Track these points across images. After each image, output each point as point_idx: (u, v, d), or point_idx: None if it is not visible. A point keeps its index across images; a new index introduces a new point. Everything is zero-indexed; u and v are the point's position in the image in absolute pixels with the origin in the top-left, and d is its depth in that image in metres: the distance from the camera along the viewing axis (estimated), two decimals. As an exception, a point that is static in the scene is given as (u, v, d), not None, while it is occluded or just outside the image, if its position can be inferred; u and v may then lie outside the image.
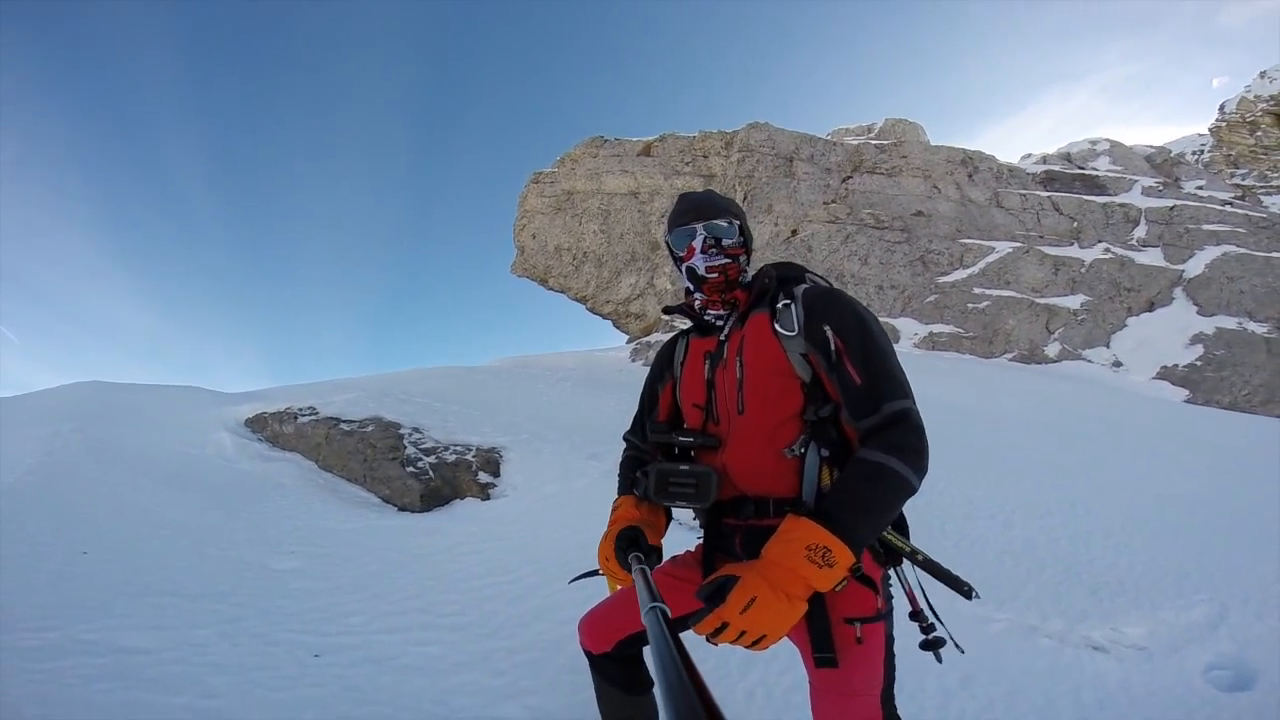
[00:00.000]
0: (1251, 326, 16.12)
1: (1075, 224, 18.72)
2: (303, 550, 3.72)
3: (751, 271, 1.69)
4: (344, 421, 6.04)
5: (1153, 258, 18.07)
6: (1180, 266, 17.61)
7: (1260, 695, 2.72)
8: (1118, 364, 17.31)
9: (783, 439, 1.44)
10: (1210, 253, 17.39)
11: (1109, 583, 3.68)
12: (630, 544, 1.49)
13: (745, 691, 2.39)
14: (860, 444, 1.36)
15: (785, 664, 2.56)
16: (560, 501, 4.83)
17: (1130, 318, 17.73)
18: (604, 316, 21.93)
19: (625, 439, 1.86)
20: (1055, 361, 17.31)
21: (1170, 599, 3.60)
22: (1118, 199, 19.52)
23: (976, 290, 17.99)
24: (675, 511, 1.73)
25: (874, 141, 19.65)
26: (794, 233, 17.34)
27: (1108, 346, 17.61)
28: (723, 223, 1.60)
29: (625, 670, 1.76)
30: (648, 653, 1.77)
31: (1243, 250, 17.22)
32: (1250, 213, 18.75)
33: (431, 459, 5.48)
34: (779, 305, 1.52)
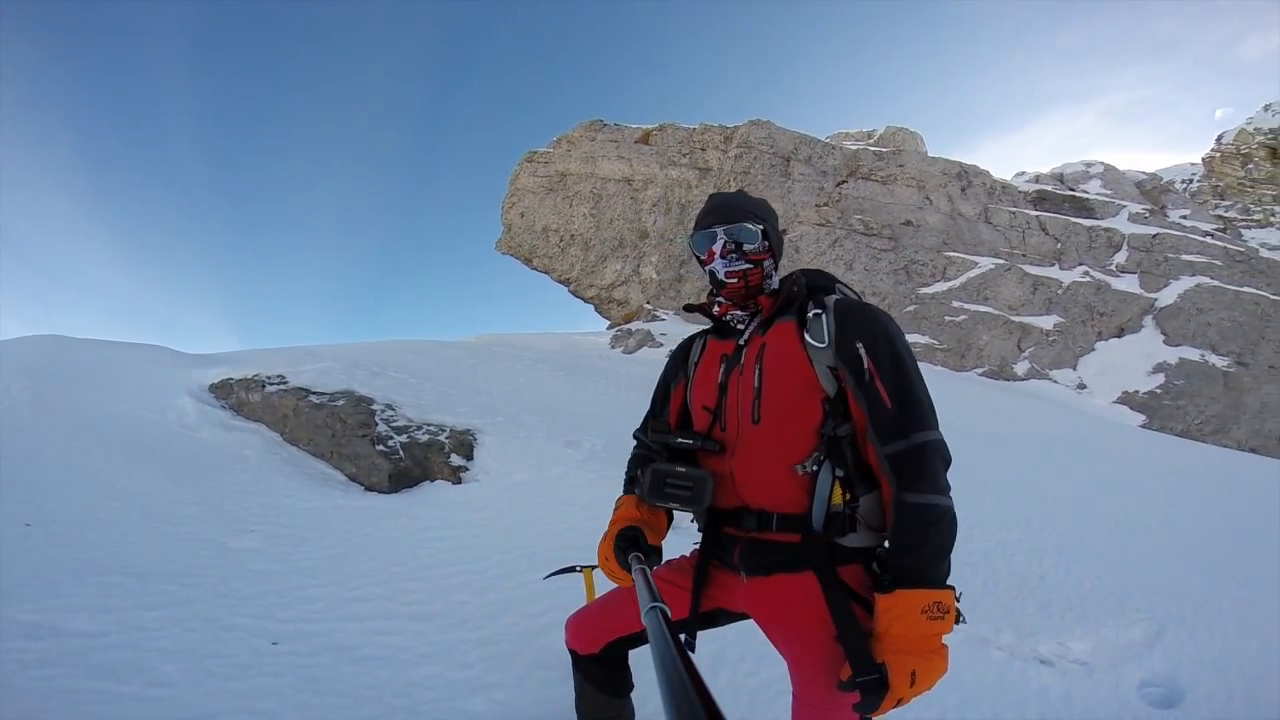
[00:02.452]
0: (1213, 359, 16.64)
1: (1059, 245, 19.07)
2: (262, 529, 3.60)
3: (778, 277, 1.64)
4: (314, 393, 5.86)
5: (1129, 284, 18.51)
6: (1154, 295, 18.06)
7: (1185, 712, 2.84)
8: (1081, 386, 17.75)
9: (797, 454, 1.41)
10: (1185, 283, 17.87)
11: (1059, 599, 3.78)
12: (630, 544, 1.46)
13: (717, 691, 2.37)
14: (894, 476, 1.34)
15: (752, 666, 2.55)
16: (533, 489, 4.76)
17: (1099, 342, 18.17)
18: (586, 300, 21.81)
19: (635, 437, 1.80)
20: (1023, 379, 17.70)
21: (1113, 617, 3.72)
22: (1103, 223, 19.93)
23: (955, 304, 18.27)
24: (675, 514, 1.69)
25: (873, 148, 19.74)
26: (783, 233, 17.41)
27: (1074, 369, 18.04)
28: (747, 226, 1.55)
29: (610, 672, 1.75)
30: (633, 655, 1.76)
31: (1216, 283, 17.72)
32: (1229, 245, 19.30)
33: (403, 438, 5.35)
34: (809, 314, 1.47)
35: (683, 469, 1.48)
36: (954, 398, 14.16)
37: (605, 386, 9.79)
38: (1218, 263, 18.44)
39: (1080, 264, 19.39)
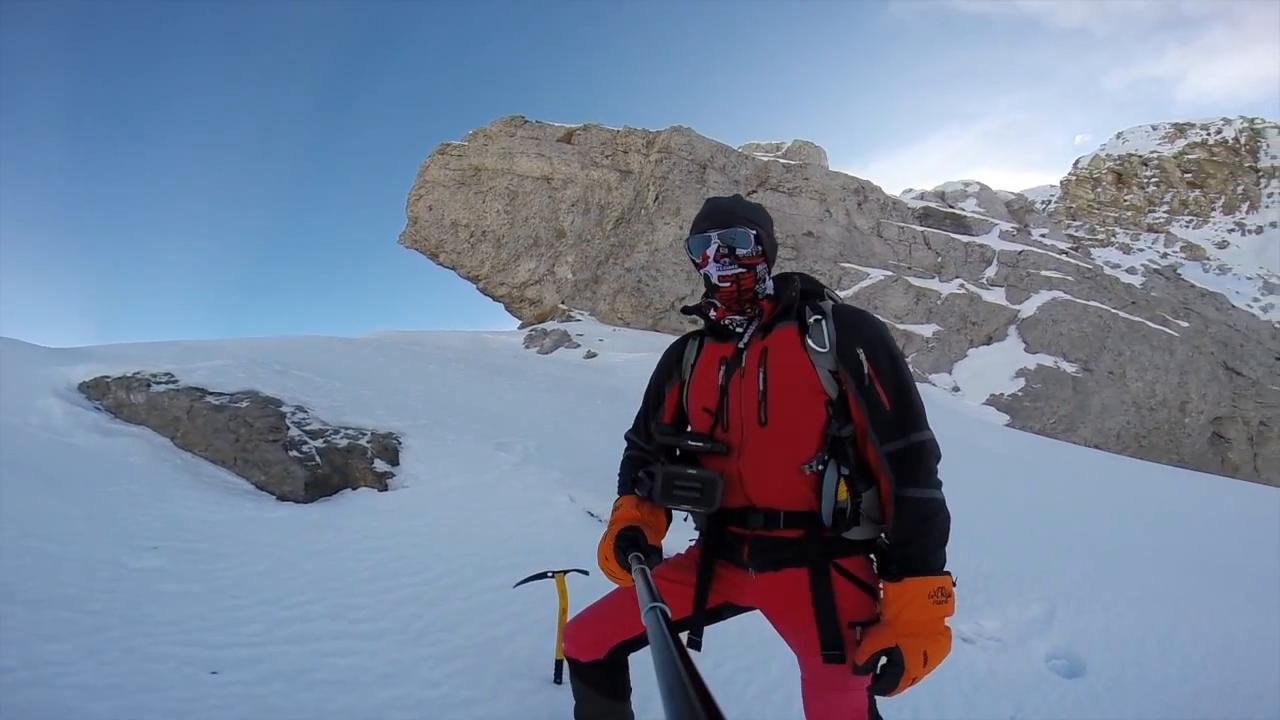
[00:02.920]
0: (1064, 365, 18.92)
1: (940, 259, 20.92)
2: (167, 545, 3.19)
3: (771, 281, 1.67)
4: (211, 393, 5.29)
5: (997, 296, 20.66)
6: (1018, 306, 20.28)
7: (1090, 681, 3.20)
8: (956, 389, 19.60)
9: (803, 454, 1.46)
10: (1043, 296, 20.19)
11: (966, 583, 4.13)
12: (630, 544, 1.47)
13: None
14: (894, 473, 1.42)
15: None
16: (469, 495, 4.57)
17: (971, 349, 20.14)
18: (496, 299, 21.27)
19: (627, 438, 1.80)
20: (908, 382, 19.31)
21: (1013, 597, 4.13)
22: (978, 239, 22.08)
23: (850, 311, 19.54)
24: (674, 512, 1.70)
25: (782, 160, 20.70)
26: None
27: (950, 373, 19.88)
28: (740, 231, 1.57)
29: (612, 675, 1.72)
30: (633, 659, 1.74)
31: (1068, 297, 20.17)
32: (1080, 263, 21.98)
33: (319, 442, 4.95)
34: (810, 320, 1.52)
35: (693, 471, 1.50)
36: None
37: (527, 388, 9.59)
38: (1070, 278, 20.97)
39: (957, 277, 21.40)
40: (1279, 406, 18.51)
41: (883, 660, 1.35)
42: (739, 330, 1.60)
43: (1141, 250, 32.58)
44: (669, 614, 0.92)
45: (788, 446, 1.47)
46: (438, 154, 20.19)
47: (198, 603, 2.56)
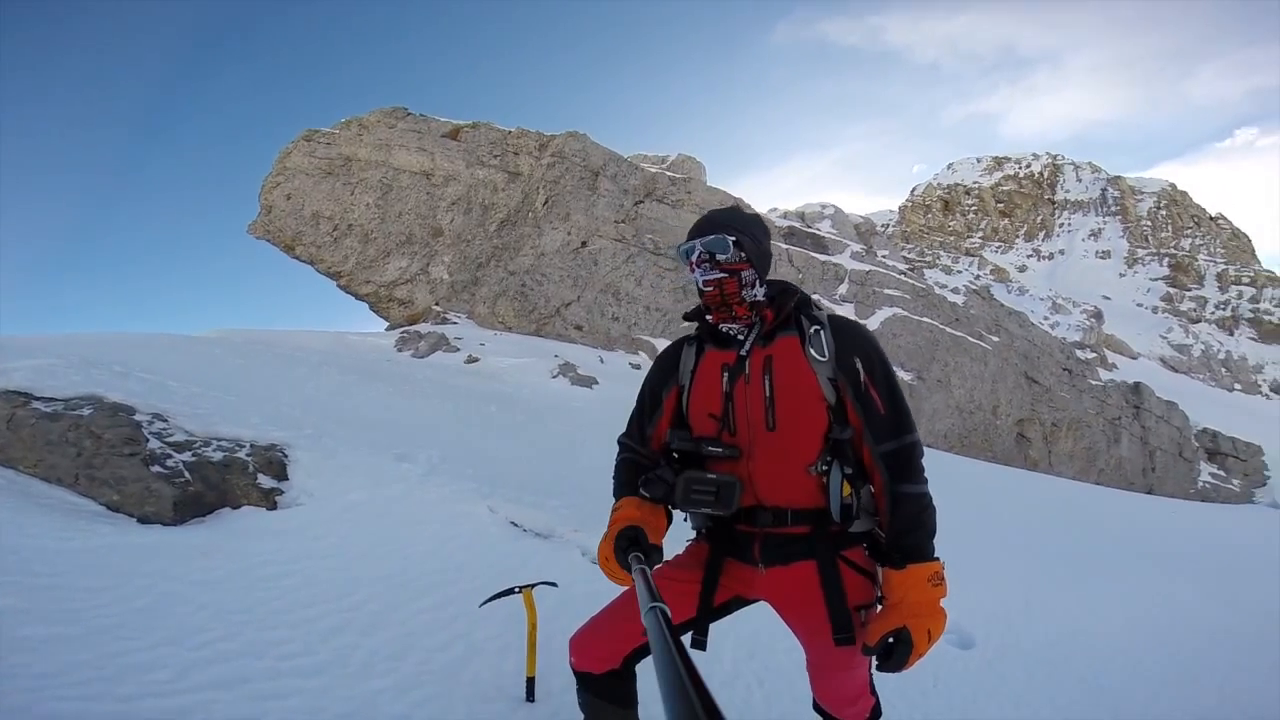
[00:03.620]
0: (902, 374, 21.32)
1: (800, 276, 22.66)
2: (9, 580, 2.62)
3: (761, 288, 1.74)
4: (38, 399, 4.40)
5: (848, 312, 22.80)
6: (865, 321, 22.60)
7: (980, 652, 3.64)
8: (814, 395, 21.41)
9: (809, 456, 1.56)
10: (885, 312, 22.58)
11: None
12: (631, 544, 1.50)
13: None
14: (888, 471, 1.56)
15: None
16: (375, 511, 4.21)
17: (827, 359, 22.11)
18: (360, 298, 19.76)
19: (621, 442, 1.83)
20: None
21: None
22: (833, 258, 24.21)
23: (724, 322, 20.60)
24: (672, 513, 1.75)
25: (668, 173, 21.29)
26: (584, 244, 17.80)
27: (808, 380, 21.69)
28: (720, 237, 1.64)
29: (627, 685, 1.72)
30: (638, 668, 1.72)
31: (905, 313, 22.71)
32: (915, 283, 24.81)
33: (187, 456, 4.31)
34: (810, 331, 1.62)
35: (712, 476, 1.56)
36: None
37: (412, 393, 9.01)
38: (907, 296, 23.66)
39: (815, 293, 23.34)
40: (1066, 410, 22.35)
41: (890, 640, 1.48)
42: (740, 337, 1.66)
43: (960, 272, 37.79)
44: (669, 614, 0.94)
45: (795, 449, 1.56)
46: (303, 140, 18.30)
47: (81, 647, 2.13)
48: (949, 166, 62.42)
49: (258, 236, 18.55)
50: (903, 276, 24.62)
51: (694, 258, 1.65)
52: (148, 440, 4.29)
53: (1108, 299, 49.70)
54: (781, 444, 1.56)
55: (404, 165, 18.20)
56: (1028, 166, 60.39)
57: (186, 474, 4.15)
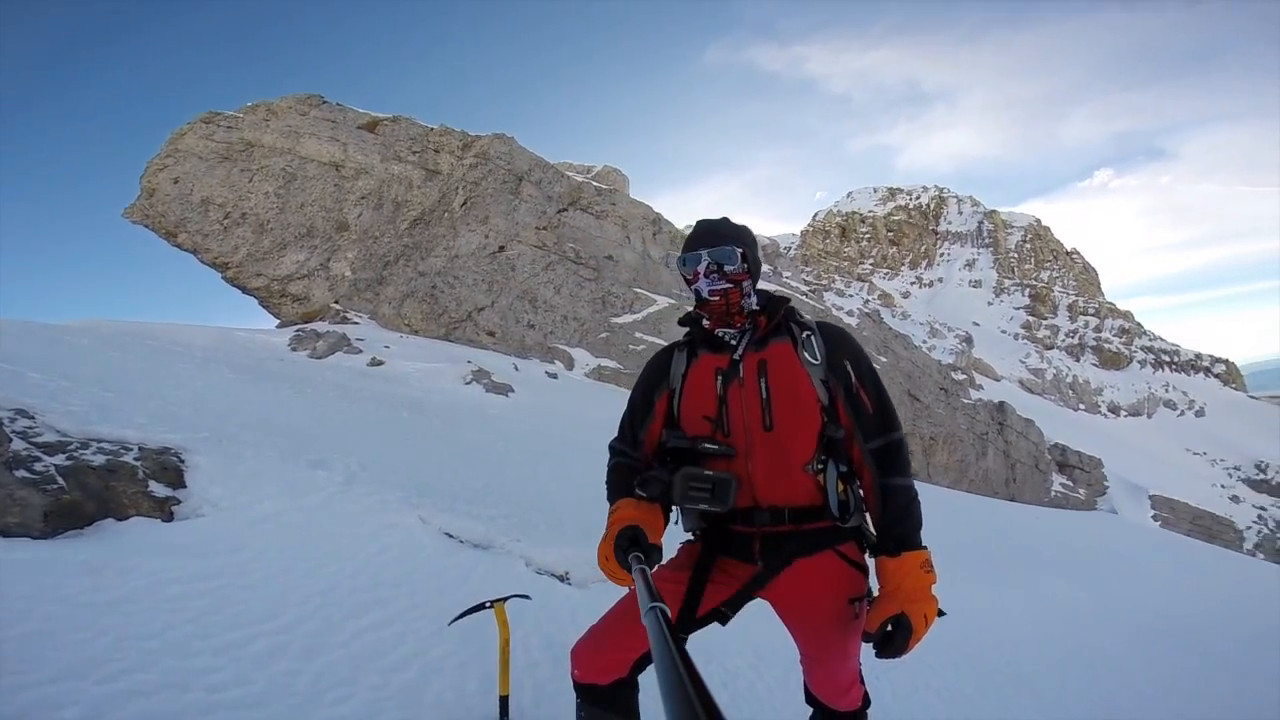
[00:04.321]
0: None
1: (713, 293, 23.39)
2: None
3: (754, 296, 1.80)
4: None
5: (757, 330, 23.83)
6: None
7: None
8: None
9: (805, 455, 1.61)
10: (792, 333, 23.78)
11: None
12: (631, 543, 1.50)
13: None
14: (877, 466, 1.63)
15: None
16: (293, 522, 3.83)
17: (735, 373, 22.91)
18: (248, 291, 18.16)
19: (613, 447, 1.82)
20: (686, 401, 21.24)
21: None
22: (742, 279, 25.16)
23: (638, 334, 20.79)
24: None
25: (595, 183, 21.22)
26: (502, 249, 17.33)
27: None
28: (728, 249, 1.70)
29: (632, 695, 1.69)
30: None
31: (807, 334, 24.01)
32: (815, 304, 26.27)
33: (60, 459, 3.72)
34: (801, 336, 1.69)
35: (709, 473, 1.58)
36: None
37: (315, 396, 8.35)
38: (808, 317, 25.06)
39: (727, 310, 24.19)
40: (943, 426, 24.42)
41: (889, 627, 1.53)
42: (732, 342, 1.70)
43: (853, 296, 40.50)
44: (669, 614, 0.94)
45: (793, 448, 1.61)
46: (201, 122, 16.50)
47: (-49, 691, 1.76)
48: (848, 195, 66.92)
49: (135, 221, 16.52)
50: (804, 298, 26.02)
51: (701, 268, 1.68)
52: (9, 440, 3.66)
53: (977, 325, 55.00)
54: (779, 443, 1.60)
55: (312, 155, 16.90)
56: (917, 198, 65.92)
57: (60, 480, 3.57)
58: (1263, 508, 41.30)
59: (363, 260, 17.23)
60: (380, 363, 14.50)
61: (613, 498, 1.72)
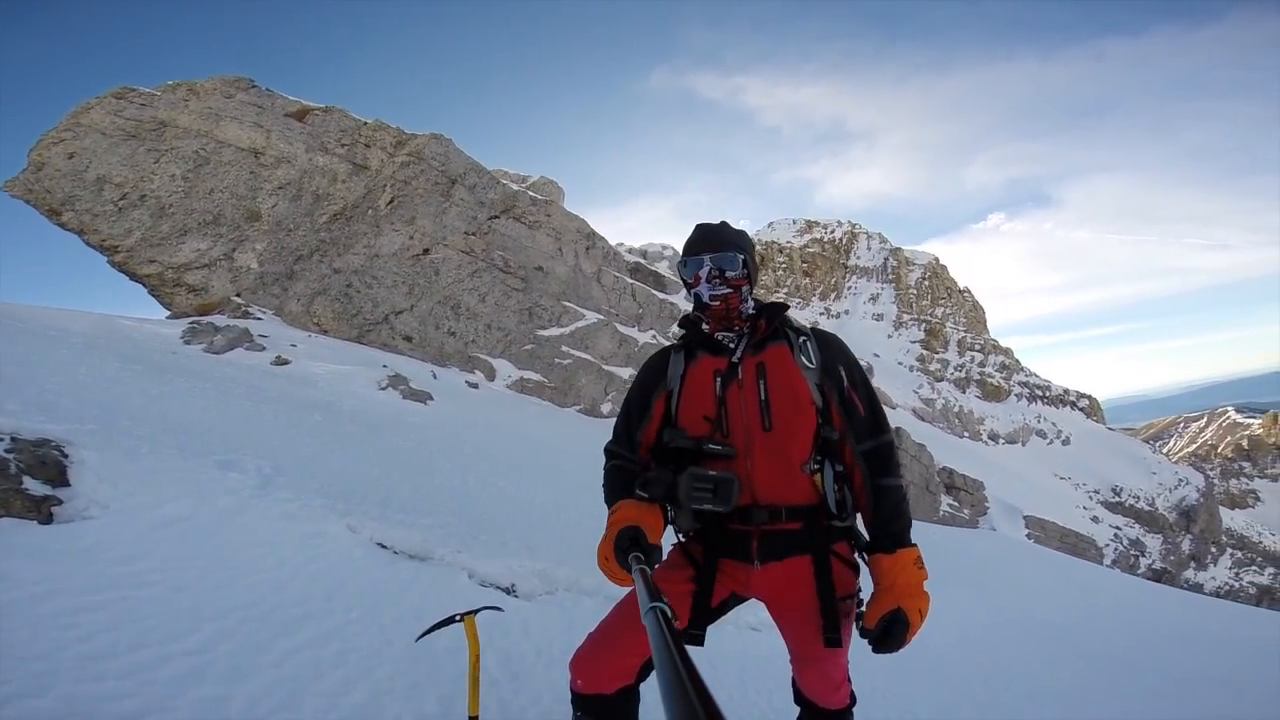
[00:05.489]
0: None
1: (641, 310, 23.55)
2: None
3: (752, 301, 1.84)
4: None
5: (681, 349, 24.24)
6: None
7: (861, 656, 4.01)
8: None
9: (802, 455, 1.66)
10: (716, 352, 24.33)
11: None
12: (631, 543, 1.50)
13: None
14: (869, 466, 1.68)
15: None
16: (202, 528, 3.41)
17: (658, 390, 23.16)
18: (137, 278, 16.48)
19: (609, 450, 1.83)
20: (608, 418, 21.13)
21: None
22: (670, 297, 25.52)
23: (564, 348, 20.60)
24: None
25: (530, 192, 20.84)
26: (426, 251, 16.64)
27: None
28: (730, 255, 1.76)
29: (633, 704, 1.66)
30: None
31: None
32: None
33: (-92, 451, 3.15)
34: (798, 340, 1.74)
35: (712, 473, 1.59)
36: (559, 428, 15.95)
37: (215, 393, 7.61)
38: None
39: (652, 328, 24.39)
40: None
41: (886, 623, 1.56)
42: (730, 345, 1.74)
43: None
44: (669, 613, 0.94)
45: (791, 448, 1.64)
46: (112, 97, 14.73)
47: None
48: (769, 225, 69.64)
49: (14, 195, 14.55)
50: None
51: (703, 272, 1.73)
52: None
53: (878, 356, 58.51)
54: (778, 443, 1.63)
55: (231, 139, 15.53)
56: (831, 232, 69.57)
57: (-93, 476, 3.00)
58: (1118, 527, 46.41)
59: (272, 253, 16.00)
60: (286, 361, 13.48)
61: (611, 499, 1.70)
